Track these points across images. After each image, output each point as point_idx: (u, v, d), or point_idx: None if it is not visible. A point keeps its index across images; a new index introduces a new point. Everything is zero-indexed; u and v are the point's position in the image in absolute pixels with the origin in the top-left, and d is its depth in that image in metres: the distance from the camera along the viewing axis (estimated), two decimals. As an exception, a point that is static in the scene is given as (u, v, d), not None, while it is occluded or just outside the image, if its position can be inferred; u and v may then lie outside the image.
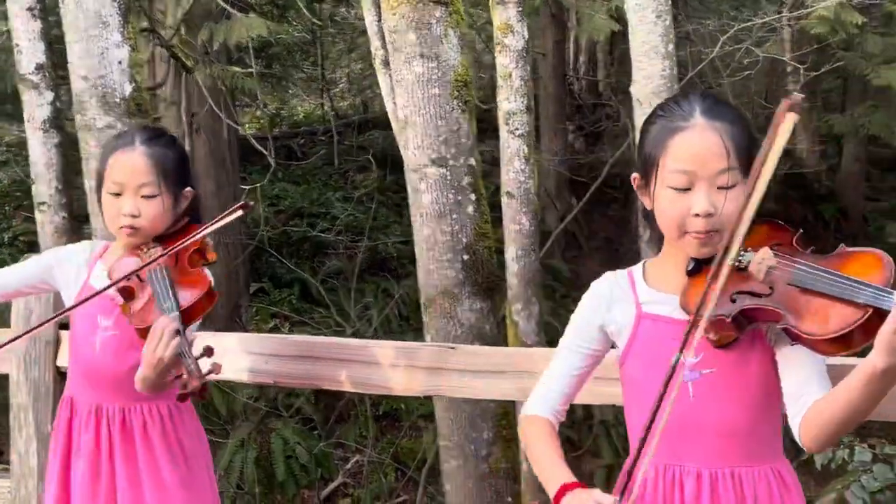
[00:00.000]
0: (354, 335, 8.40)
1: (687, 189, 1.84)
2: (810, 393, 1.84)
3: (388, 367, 2.35)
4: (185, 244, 2.40)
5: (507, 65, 4.06)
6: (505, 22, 4.05)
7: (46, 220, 5.25)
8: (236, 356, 2.64)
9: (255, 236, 9.23)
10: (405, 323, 10.07)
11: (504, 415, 4.30)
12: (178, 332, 2.24)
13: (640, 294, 2.01)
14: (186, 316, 2.31)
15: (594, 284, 2.08)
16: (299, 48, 12.77)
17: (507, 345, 4.18)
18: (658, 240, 2.07)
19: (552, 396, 2.08)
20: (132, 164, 2.45)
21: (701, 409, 1.90)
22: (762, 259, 1.82)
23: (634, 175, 1.98)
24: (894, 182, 12.27)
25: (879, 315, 1.67)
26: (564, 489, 1.88)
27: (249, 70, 8.34)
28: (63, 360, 2.90)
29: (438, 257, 4.19)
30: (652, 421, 1.77)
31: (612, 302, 2.02)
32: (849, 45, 10.02)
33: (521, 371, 2.22)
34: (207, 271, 2.44)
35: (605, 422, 9.31)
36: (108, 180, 2.48)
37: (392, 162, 11.28)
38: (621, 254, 11.34)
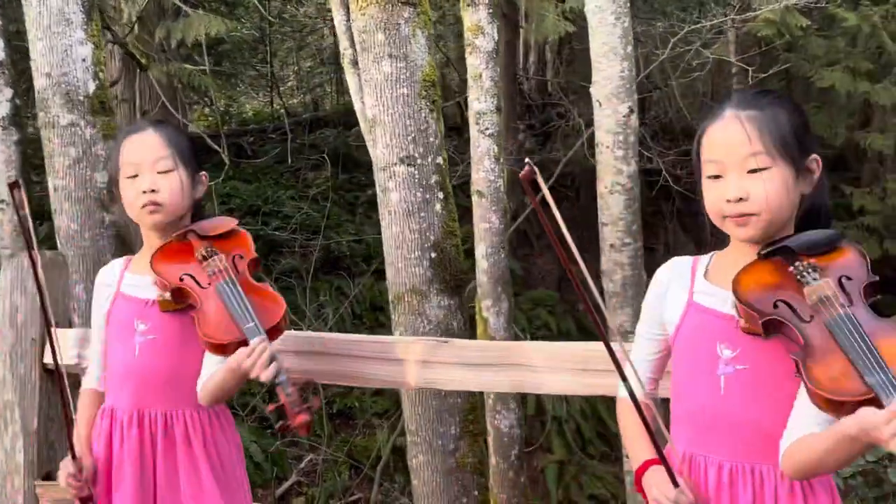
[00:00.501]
0: (310, 334, 8.39)
1: (720, 176, 1.92)
2: (801, 426, 1.88)
3: (380, 361, 2.40)
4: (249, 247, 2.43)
5: (478, 65, 4.12)
6: (475, 23, 4.11)
7: (6, 219, 5.19)
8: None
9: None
10: (359, 321, 10.10)
11: (471, 409, 4.36)
12: (272, 359, 2.21)
13: (696, 283, 2.06)
14: (269, 337, 2.27)
15: (660, 271, 2.14)
16: (249, 45, 12.71)
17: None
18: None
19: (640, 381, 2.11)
20: (146, 143, 2.47)
21: (730, 404, 1.94)
22: (822, 289, 1.84)
23: (695, 173, 2.05)
24: (836, 181, 12.55)
25: (877, 403, 1.67)
26: (646, 465, 1.98)
27: (203, 68, 8.31)
28: (48, 357, 2.88)
29: (407, 255, 4.24)
30: None
31: (668, 288, 2.09)
32: (791, 48, 10.25)
33: (514, 364, 2.28)
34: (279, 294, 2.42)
35: (558, 418, 9.43)
36: (124, 164, 2.48)
37: (345, 160, 11.30)
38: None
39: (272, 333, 2.29)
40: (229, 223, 2.55)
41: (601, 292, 5.54)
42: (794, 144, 1.90)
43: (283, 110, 13.42)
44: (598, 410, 9.89)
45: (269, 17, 9.20)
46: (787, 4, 8.35)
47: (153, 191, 2.44)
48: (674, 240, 11.58)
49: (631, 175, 5.15)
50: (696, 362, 1.99)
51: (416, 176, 4.20)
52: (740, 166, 1.89)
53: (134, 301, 2.52)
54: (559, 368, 2.25)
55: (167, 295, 2.43)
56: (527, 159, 1.89)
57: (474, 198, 4.22)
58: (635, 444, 2.06)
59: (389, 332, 9.42)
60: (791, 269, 1.89)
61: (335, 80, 13.35)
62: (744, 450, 1.96)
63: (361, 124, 4.44)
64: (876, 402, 1.67)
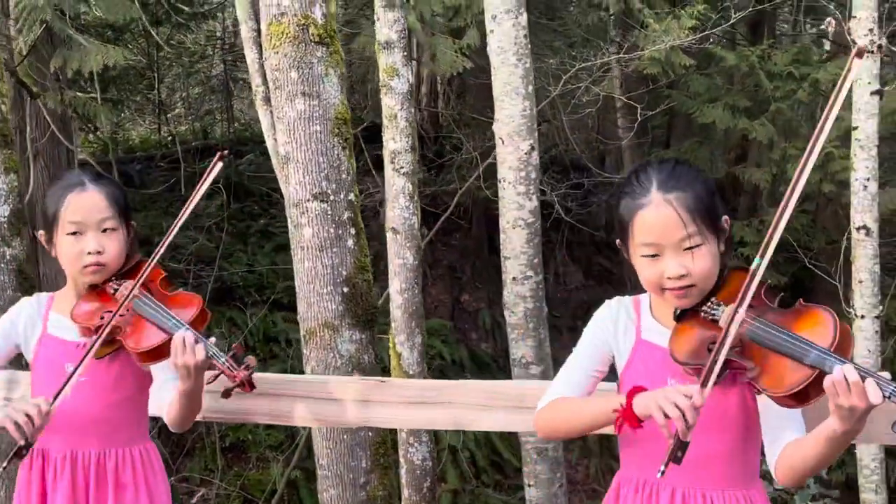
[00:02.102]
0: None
1: (657, 255, 2.06)
2: (784, 437, 2.05)
3: (320, 400, 2.44)
4: (152, 264, 2.50)
5: (393, 106, 4.20)
6: (391, 65, 4.20)
7: None
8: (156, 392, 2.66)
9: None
10: (251, 353, 10.00)
11: (381, 443, 4.40)
12: (196, 340, 2.33)
13: (643, 321, 2.20)
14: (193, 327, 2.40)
15: (602, 307, 2.26)
16: (136, 71, 12.51)
17: (389, 375, 4.29)
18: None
19: (571, 393, 2.21)
20: (90, 202, 2.51)
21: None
22: (727, 314, 2.00)
23: (618, 240, 2.19)
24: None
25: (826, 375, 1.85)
26: (634, 391, 2.01)
27: (93, 95, 8.17)
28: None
29: (319, 290, 4.28)
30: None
31: (617, 325, 2.21)
32: (674, 85, 10.67)
33: (451, 402, 2.35)
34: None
35: (453, 447, 9.52)
36: (65, 221, 2.50)
37: (236, 189, 11.19)
38: (464, 282, 11.62)
39: (194, 324, 2.43)
40: (134, 258, 2.63)
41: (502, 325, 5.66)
42: (715, 216, 2.07)
43: (170, 137, 13.23)
44: (492, 440, 10.03)
45: (163, 44, 9.09)
46: (671, 45, 8.69)
47: (98, 252, 2.49)
48: (563, 270, 11.85)
49: (532, 210, 5.29)
50: None
51: (329, 212, 4.25)
52: (676, 246, 2.03)
53: (62, 343, 2.56)
54: (496, 406, 2.34)
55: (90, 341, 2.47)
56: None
57: (389, 234, 4.29)
58: (596, 402, 2.12)
59: (284, 365, 9.43)
60: (702, 315, 2.07)
61: (225, 108, 13.22)
62: (696, 477, 2.09)
63: (273, 161, 4.46)
64: (823, 376, 1.85)
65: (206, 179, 2.50)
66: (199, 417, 2.62)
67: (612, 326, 2.21)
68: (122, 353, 2.53)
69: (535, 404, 2.23)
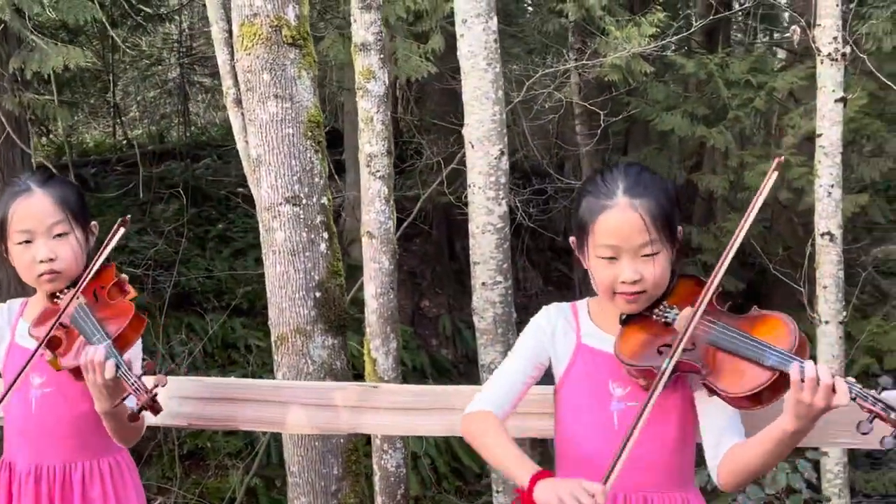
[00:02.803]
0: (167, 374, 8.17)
1: (614, 258, 2.07)
2: (727, 441, 2.07)
3: (306, 406, 2.39)
4: (88, 277, 2.37)
5: (369, 109, 4.16)
6: (367, 68, 4.15)
7: None
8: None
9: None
10: (210, 360, 9.88)
11: (353, 450, 4.36)
12: (107, 357, 2.20)
13: (582, 326, 2.21)
14: (119, 343, 2.27)
15: (540, 313, 2.26)
16: (91, 74, 12.32)
17: (363, 380, 4.25)
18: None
19: (500, 402, 2.19)
20: (38, 208, 2.38)
21: (622, 437, 2.03)
22: (687, 318, 2.03)
23: (572, 238, 2.20)
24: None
25: (785, 377, 1.90)
26: (537, 478, 1.97)
27: (50, 98, 8.02)
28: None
29: (291, 294, 4.22)
30: (635, 426, 1.94)
31: (555, 330, 2.21)
32: (633, 92, 10.75)
33: (446, 408, 2.32)
34: (131, 302, 2.42)
35: (415, 453, 9.48)
36: (14, 230, 2.39)
37: (194, 193, 11.07)
38: (424, 288, 11.60)
39: (122, 339, 2.30)
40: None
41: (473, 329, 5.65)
42: (674, 226, 2.10)
43: (125, 141, 13.06)
44: (453, 446, 10.00)
45: (122, 45, 8.95)
46: (633, 52, 8.75)
47: (51, 259, 2.38)
48: (524, 275, 11.86)
49: (501, 215, 5.27)
50: (590, 400, 2.14)
51: (302, 216, 4.20)
52: (635, 252, 2.06)
53: (28, 353, 2.43)
54: (528, 413, 2.30)
55: (49, 354, 2.39)
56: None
57: (364, 239, 4.24)
58: (511, 457, 2.07)
59: (244, 371, 9.33)
60: (653, 317, 2.11)
61: (182, 112, 13.08)
62: (637, 481, 2.10)
63: (244, 163, 4.40)
64: (782, 378, 1.89)
65: (108, 245, 2.38)
66: (184, 423, 2.56)
67: (550, 332, 2.21)
68: None
69: (530, 410, 2.23)
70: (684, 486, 2.17)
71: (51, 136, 12.72)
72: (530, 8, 13.70)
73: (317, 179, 4.24)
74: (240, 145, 4.42)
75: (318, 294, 4.23)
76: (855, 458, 7.55)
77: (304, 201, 4.20)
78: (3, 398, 2.36)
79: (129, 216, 2.50)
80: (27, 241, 2.39)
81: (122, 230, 2.41)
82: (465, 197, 8.61)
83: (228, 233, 11.14)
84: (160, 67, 13.29)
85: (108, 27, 8.51)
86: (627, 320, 2.13)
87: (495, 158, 5.20)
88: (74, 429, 2.44)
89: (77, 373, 2.29)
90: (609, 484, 1.90)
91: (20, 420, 2.46)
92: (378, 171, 4.10)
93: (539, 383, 2.26)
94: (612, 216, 2.05)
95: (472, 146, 5.24)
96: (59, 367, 2.37)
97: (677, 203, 2.13)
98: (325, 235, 4.25)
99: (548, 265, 12.54)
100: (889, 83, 6.70)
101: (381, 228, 4.14)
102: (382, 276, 4.19)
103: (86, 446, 2.46)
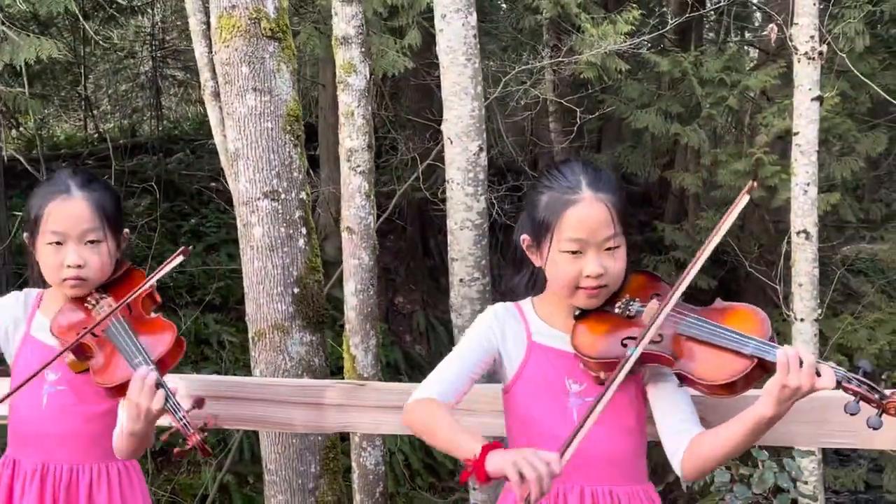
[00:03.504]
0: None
1: (579, 252, 2.09)
2: (688, 430, 2.09)
3: (294, 404, 2.36)
4: (138, 293, 2.33)
5: (350, 103, 4.13)
6: (348, 61, 4.12)
7: None
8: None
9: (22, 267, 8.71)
10: (183, 356, 9.79)
11: (331, 447, 4.33)
12: (159, 385, 2.16)
13: (531, 324, 2.20)
14: (160, 368, 2.22)
15: (487, 312, 2.25)
16: (62, 66, 12.18)
17: (342, 377, 4.22)
18: (530, 286, 2.27)
19: (445, 392, 2.15)
20: (74, 212, 2.34)
21: (586, 434, 2.03)
22: (654, 309, 2.07)
23: (524, 237, 2.20)
24: (644, 217, 13.23)
25: (762, 366, 1.93)
26: (489, 448, 1.91)
27: (21, 90, 7.92)
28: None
29: (269, 290, 4.18)
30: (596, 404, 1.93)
31: (505, 329, 2.20)
32: (606, 90, 10.77)
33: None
34: (170, 322, 2.37)
35: (389, 450, 9.46)
36: (47, 229, 2.34)
37: (166, 187, 10.97)
38: (398, 284, 11.57)
39: (162, 364, 2.26)
40: (123, 266, 2.48)
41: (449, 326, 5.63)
42: (628, 222, 2.16)
43: (97, 135, 12.92)
44: (426, 443, 9.99)
45: (95, 37, 8.85)
46: (610, 49, 8.76)
47: (79, 266, 2.34)
48: (498, 271, 11.85)
49: (480, 212, 5.26)
50: (547, 396, 2.15)
51: (280, 211, 4.16)
52: (599, 245, 2.09)
53: (45, 348, 2.40)
54: (478, 410, 2.30)
55: (72, 357, 2.34)
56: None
57: (344, 234, 4.21)
58: (456, 435, 2.02)
59: (216, 367, 9.24)
60: (616, 311, 2.13)
61: (154, 106, 12.96)
62: (603, 475, 2.12)
63: (222, 157, 4.35)
64: (760, 366, 1.93)
65: (166, 266, 2.37)
66: (165, 423, 2.50)
67: (500, 331, 2.20)
68: None
69: (481, 408, 2.22)
70: (642, 478, 2.19)
71: (21, 128, 12.57)
72: (504, 5, 13.70)
73: (296, 174, 4.20)
74: (217, 139, 4.38)
75: (296, 290, 4.19)
76: (825, 455, 7.62)
77: (282, 196, 4.16)
78: (14, 392, 2.31)
79: (191, 248, 2.49)
80: (58, 243, 2.34)
81: (180, 258, 2.38)
82: (441, 193, 8.59)
83: (201, 228, 11.05)
84: (132, 60, 13.16)
85: (81, 19, 8.41)
86: (582, 316, 2.14)
87: (474, 154, 5.18)
88: (85, 430, 2.39)
89: (110, 392, 2.25)
90: (566, 457, 1.87)
91: (28, 416, 2.41)
92: (358, 166, 4.07)
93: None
94: (580, 210, 2.07)
95: (451, 142, 5.22)
96: (79, 369, 2.34)
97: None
98: (304, 231, 4.22)
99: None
100: (868, 82, 6.75)
101: (362, 224, 4.11)
102: (363, 273, 4.16)
103: (95, 448, 2.40)
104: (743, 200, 2.07)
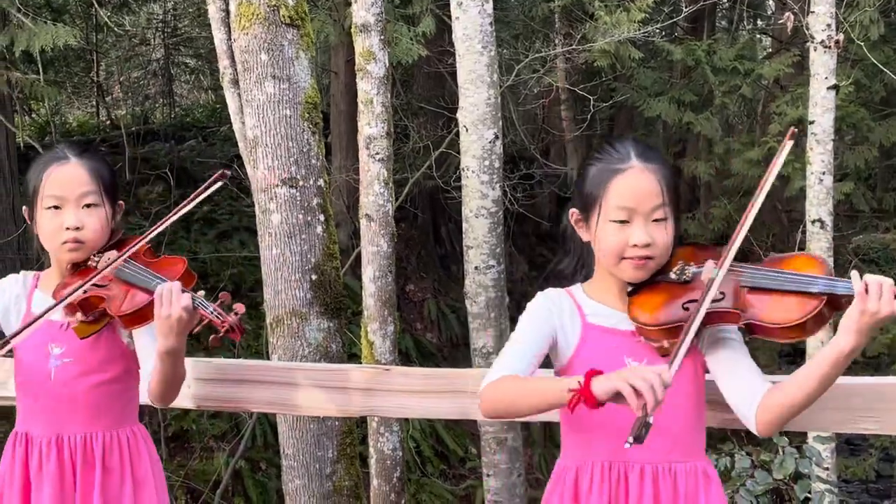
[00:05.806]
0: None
1: (626, 221, 2.08)
2: (759, 388, 2.07)
3: (323, 389, 2.38)
4: (154, 232, 2.38)
5: (369, 91, 4.14)
6: (367, 49, 4.13)
7: None
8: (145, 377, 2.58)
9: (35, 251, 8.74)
10: (195, 341, 9.83)
11: (349, 432, 4.35)
12: (182, 290, 2.21)
13: (584, 307, 2.19)
14: None
15: (539, 296, 2.22)
16: (74, 53, 12.21)
17: (360, 363, 4.24)
18: (575, 267, 2.28)
19: (517, 368, 2.12)
20: (72, 175, 2.40)
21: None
22: (711, 270, 2.05)
23: (573, 210, 2.20)
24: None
25: (832, 302, 1.94)
26: (591, 374, 1.90)
27: (36, 76, 7.94)
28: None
29: (287, 277, 4.20)
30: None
31: (563, 312, 2.18)
32: (619, 78, 10.76)
33: (457, 391, 2.31)
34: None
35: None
36: (45, 194, 2.39)
37: (178, 174, 11.00)
38: (409, 272, 11.59)
39: (181, 282, 2.30)
40: (117, 234, 2.52)
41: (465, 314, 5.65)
42: (678, 197, 2.15)
43: (109, 121, 12.95)
44: (437, 429, 10.02)
45: (109, 24, 8.87)
46: (624, 37, 8.75)
47: (77, 228, 2.39)
48: (509, 260, 11.88)
49: (495, 199, 5.27)
50: None
51: (298, 198, 4.17)
52: (647, 216, 2.08)
53: (47, 323, 2.43)
54: None
55: (79, 316, 2.38)
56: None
57: (363, 221, 4.23)
58: (547, 381, 2.07)
59: (230, 354, 9.27)
60: (671, 276, 2.12)
61: (166, 93, 12.99)
62: (662, 452, 2.11)
63: (240, 144, 4.37)
64: (830, 303, 1.94)
65: (202, 192, 2.42)
66: (192, 405, 2.54)
67: (558, 313, 2.18)
68: (107, 333, 2.44)
69: None
70: (700, 454, 2.18)
71: (33, 115, 12.61)
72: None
73: (314, 161, 4.22)
74: (236, 126, 4.39)
75: (313, 277, 4.21)
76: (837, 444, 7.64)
77: (300, 183, 4.18)
78: (17, 334, 2.34)
79: (229, 172, 2.50)
80: (56, 207, 2.39)
81: (218, 183, 2.42)
82: (453, 181, 8.59)
83: (214, 215, 11.07)
84: (145, 48, 13.18)
85: (95, 5, 8.42)
86: (636, 290, 2.13)
87: (489, 142, 5.19)
88: (93, 399, 2.45)
89: (132, 318, 2.29)
90: (674, 367, 1.89)
91: (39, 391, 2.46)
92: (377, 153, 4.09)
93: None
94: (629, 178, 2.08)
95: (467, 129, 5.23)
96: (85, 333, 2.39)
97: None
98: (322, 218, 4.24)
99: (532, 250, 12.56)
100: (885, 69, 6.73)
101: (380, 211, 4.12)
102: (381, 259, 4.18)
103: (104, 416, 2.47)
104: (787, 146, 2.08)
